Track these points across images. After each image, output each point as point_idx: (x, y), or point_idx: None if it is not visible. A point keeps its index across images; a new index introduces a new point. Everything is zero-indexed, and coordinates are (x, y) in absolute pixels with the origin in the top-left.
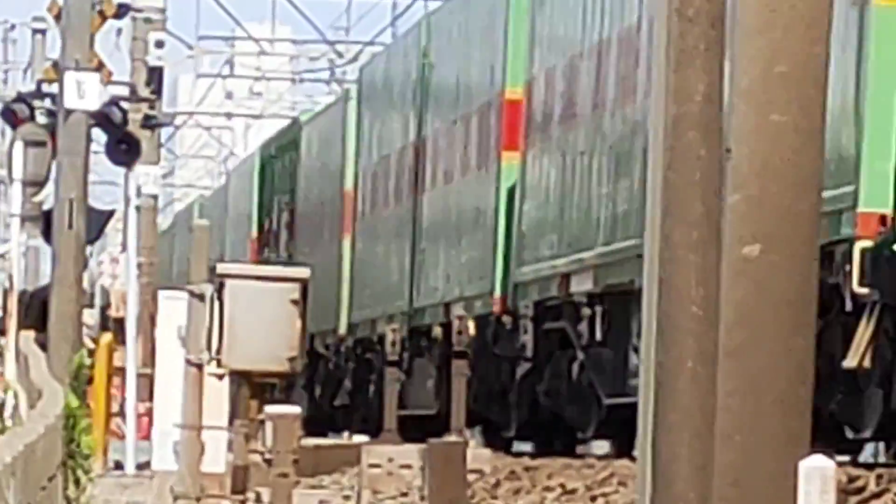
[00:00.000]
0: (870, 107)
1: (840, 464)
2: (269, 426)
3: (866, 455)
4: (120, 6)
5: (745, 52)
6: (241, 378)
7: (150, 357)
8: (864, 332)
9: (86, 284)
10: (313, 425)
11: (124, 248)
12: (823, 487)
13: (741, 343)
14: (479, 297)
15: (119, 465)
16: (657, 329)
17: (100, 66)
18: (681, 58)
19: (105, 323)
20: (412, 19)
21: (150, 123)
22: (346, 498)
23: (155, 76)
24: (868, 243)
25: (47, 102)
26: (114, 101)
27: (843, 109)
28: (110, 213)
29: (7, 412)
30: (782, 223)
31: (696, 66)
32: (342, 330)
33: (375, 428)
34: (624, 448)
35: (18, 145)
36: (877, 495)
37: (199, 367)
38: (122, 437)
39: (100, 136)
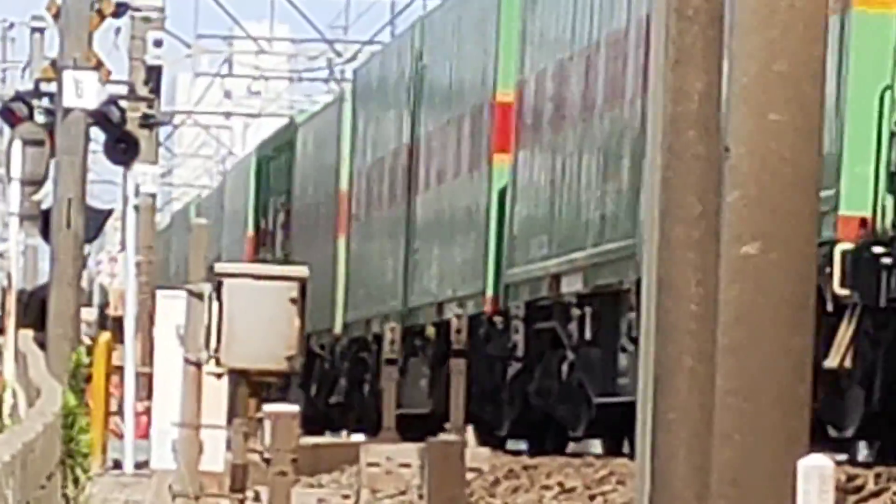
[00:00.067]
0: (850, 112)
1: (838, 463)
2: (267, 425)
3: (865, 454)
4: (118, 5)
5: (743, 50)
6: (239, 377)
7: (148, 356)
8: (844, 332)
9: (84, 283)
10: (309, 424)
11: (123, 247)
12: (822, 486)
13: (740, 342)
14: (471, 297)
15: (118, 464)
16: (656, 327)
17: (98, 65)
18: (679, 56)
19: (104, 322)
20: (411, 18)
21: (148, 122)
22: (345, 497)
23: (153, 75)
24: (849, 246)
25: (46, 101)
26: (112, 100)
27: (825, 114)
28: (109, 212)
29: (6, 411)
30: (781, 222)
31: (695, 64)
32: (337, 329)
33: (370, 426)
34: (614, 447)
35: (17, 144)
36: (875, 494)
37: (198, 365)
38: (120, 436)
39: (98, 135)
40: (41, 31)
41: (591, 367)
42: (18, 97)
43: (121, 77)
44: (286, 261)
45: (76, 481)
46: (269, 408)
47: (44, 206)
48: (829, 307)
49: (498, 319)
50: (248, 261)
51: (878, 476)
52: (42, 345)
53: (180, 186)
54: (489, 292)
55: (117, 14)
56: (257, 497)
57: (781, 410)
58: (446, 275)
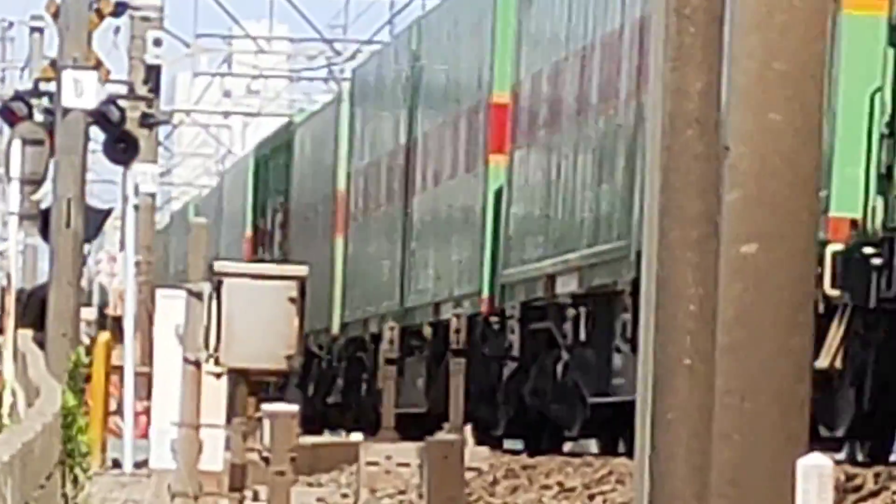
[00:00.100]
0: (841, 114)
1: (838, 462)
2: (266, 424)
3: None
4: (118, 4)
5: (742, 49)
6: (238, 376)
7: (148, 355)
8: (835, 333)
9: (84, 283)
10: (307, 423)
11: (122, 246)
12: (821, 486)
13: (739, 341)
14: (467, 297)
15: (117, 464)
16: (655, 327)
17: (98, 65)
18: (678, 55)
19: (103, 321)
20: (410, 17)
21: (147, 122)
22: (345, 496)
23: (153, 74)
24: (839, 247)
25: (45, 101)
26: (111, 100)
27: None
28: (108, 212)
29: (5, 410)
30: (780, 221)
31: (694, 63)
32: (335, 329)
33: (368, 426)
34: (609, 446)
35: (16, 143)
36: (874, 493)
37: (197, 365)
38: (119, 436)
39: (98, 135)
40: (40, 30)
41: (585, 367)
42: (18, 96)
43: (120, 76)
44: (284, 261)
45: (75, 481)
46: (268, 407)
47: (43, 206)
48: (820, 308)
49: (494, 319)
50: (246, 261)
51: (877, 475)
52: (41, 344)
53: (180, 186)
54: (485, 292)
55: (116, 13)
56: (256, 496)
57: (781, 410)
58: (443, 275)
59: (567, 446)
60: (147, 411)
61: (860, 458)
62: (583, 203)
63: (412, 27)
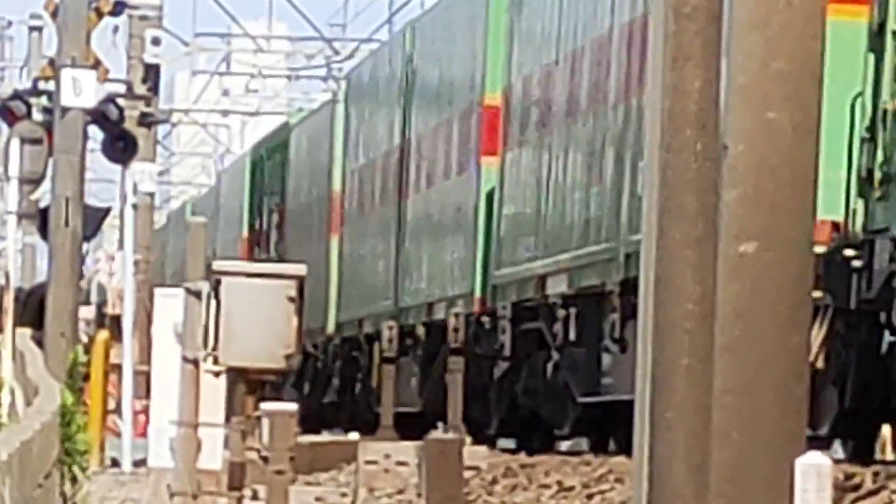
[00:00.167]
0: (823, 118)
1: (836, 461)
2: (265, 423)
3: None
4: (116, 3)
5: (741, 48)
6: (237, 375)
7: (146, 354)
8: (817, 333)
9: (82, 282)
10: (303, 423)
11: (121, 245)
12: (820, 484)
13: (737, 340)
14: (460, 297)
15: (115, 462)
16: (654, 326)
17: (96, 64)
18: (677, 55)
19: (102, 320)
20: (409, 16)
21: (146, 121)
22: (343, 495)
23: (151, 73)
24: (821, 249)
25: (44, 100)
26: (110, 99)
27: None
28: (107, 211)
29: (4, 409)
30: (778, 220)
31: (693, 63)
32: (330, 329)
33: (363, 425)
34: (600, 445)
35: (15, 142)
36: (873, 492)
37: (196, 364)
38: (118, 434)
39: (96, 134)
40: (39, 29)
41: (575, 367)
42: (16, 96)
43: (119, 75)
44: (280, 261)
45: (74, 480)
46: (266, 406)
47: (42, 205)
48: None
49: (486, 320)
50: (243, 261)
51: (875, 474)
52: (40, 343)
53: (178, 185)
54: (477, 293)
55: (115, 12)
56: (255, 495)
57: (779, 409)
58: (436, 275)
59: (565, 445)
60: (146, 410)
61: (842, 456)
62: (573, 205)
63: (406, 29)
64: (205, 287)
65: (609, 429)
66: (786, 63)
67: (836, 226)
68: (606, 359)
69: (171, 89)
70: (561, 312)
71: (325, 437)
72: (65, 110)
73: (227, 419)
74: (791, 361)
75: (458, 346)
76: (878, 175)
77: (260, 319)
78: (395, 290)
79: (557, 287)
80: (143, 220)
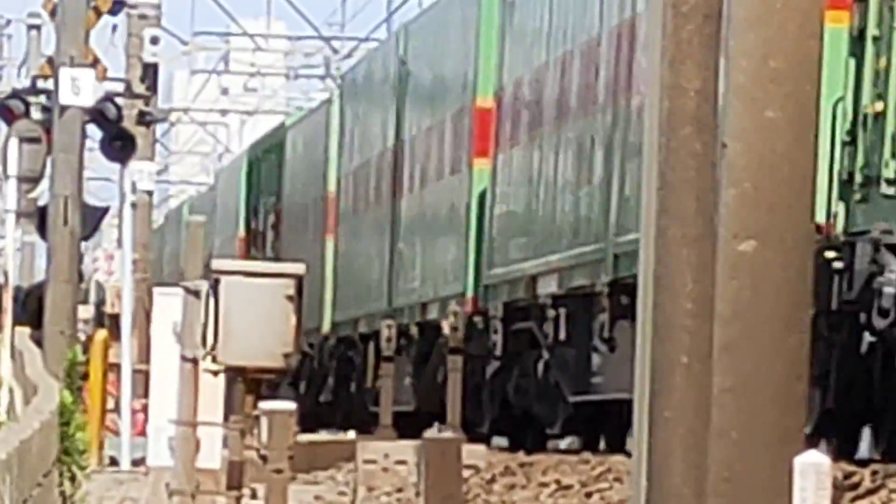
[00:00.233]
0: None
1: (835, 460)
2: (264, 422)
3: (861, 452)
4: (115, 2)
5: (739, 47)
6: (236, 374)
7: (145, 353)
8: None
9: (83, 282)
10: (299, 421)
11: (120, 244)
12: (819, 483)
13: (736, 339)
14: (452, 297)
15: (114, 461)
16: (652, 325)
17: (95, 63)
18: (675, 53)
19: (100, 319)
20: (408, 15)
21: (145, 120)
22: (342, 494)
23: (150, 72)
24: None
25: (42, 98)
26: (109, 98)
27: None
28: (105, 210)
29: (3, 408)
30: (777, 219)
31: (691, 61)
32: (326, 328)
33: (359, 424)
34: (592, 444)
35: (13, 141)
36: (872, 491)
37: (195, 363)
38: (117, 433)
39: (95, 133)
40: (38, 28)
41: (565, 366)
42: (15, 94)
43: (117, 74)
44: (277, 261)
45: (73, 478)
46: (265, 405)
47: (40, 204)
48: None
49: (478, 319)
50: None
51: (874, 473)
52: (39, 342)
53: (177, 183)
54: (469, 293)
55: (114, 11)
56: (254, 494)
57: (778, 408)
58: (429, 276)
59: (563, 444)
60: (144, 409)
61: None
62: (563, 206)
63: (400, 32)
64: (203, 286)
65: (600, 427)
66: (784, 62)
67: (818, 228)
68: (596, 358)
69: (170, 88)
70: (551, 312)
71: (323, 435)
72: (63, 109)
73: (226, 418)
74: (790, 360)
75: (457, 346)
76: (858, 178)
77: (259, 318)
78: (388, 290)
79: (548, 287)
80: (141, 219)
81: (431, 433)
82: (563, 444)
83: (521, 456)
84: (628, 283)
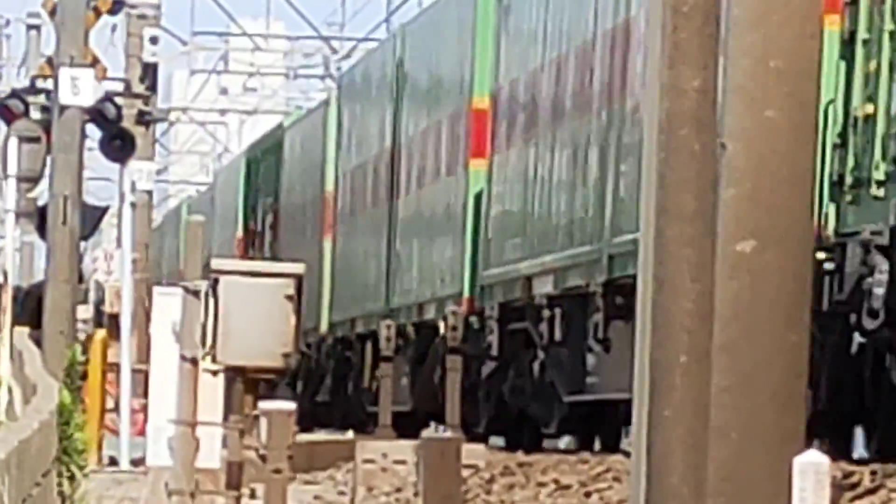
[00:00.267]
0: None
1: (834, 459)
2: (263, 422)
3: (860, 451)
4: (114, 2)
5: (739, 47)
6: (235, 374)
7: (144, 353)
8: None
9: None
10: (297, 421)
11: (119, 243)
12: (818, 483)
13: (735, 339)
14: (449, 298)
15: (113, 461)
16: (651, 325)
17: (94, 62)
18: (675, 53)
19: (99, 319)
20: (407, 15)
21: (144, 119)
22: (341, 493)
23: (149, 72)
24: None
25: (42, 98)
26: (108, 97)
27: None
28: (104, 209)
29: (2, 408)
30: (777, 219)
31: (691, 61)
32: (324, 328)
33: (356, 423)
34: (587, 444)
35: (13, 141)
36: (871, 491)
37: (194, 362)
38: (116, 433)
39: (94, 132)
40: (37, 28)
41: (561, 366)
42: (14, 94)
43: (117, 74)
44: (274, 261)
45: (72, 478)
46: (264, 405)
47: (40, 203)
48: None
49: (474, 320)
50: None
51: (873, 473)
52: (38, 342)
53: (176, 183)
54: (465, 293)
55: (113, 11)
56: (253, 494)
57: (777, 407)
58: (426, 276)
59: (562, 444)
60: (144, 409)
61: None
62: (558, 207)
63: (397, 33)
64: (203, 286)
65: (595, 427)
66: (784, 61)
67: None
68: (591, 358)
69: (169, 88)
70: (547, 313)
71: (322, 435)
72: (63, 109)
73: (226, 418)
74: (789, 360)
75: (457, 346)
76: (849, 180)
77: (258, 318)
78: (386, 290)
79: (543, 288)
80: (141, 219)
81: (430, 433)
82: (562, 443)
83: (520, 456)
84: (623, 284)
